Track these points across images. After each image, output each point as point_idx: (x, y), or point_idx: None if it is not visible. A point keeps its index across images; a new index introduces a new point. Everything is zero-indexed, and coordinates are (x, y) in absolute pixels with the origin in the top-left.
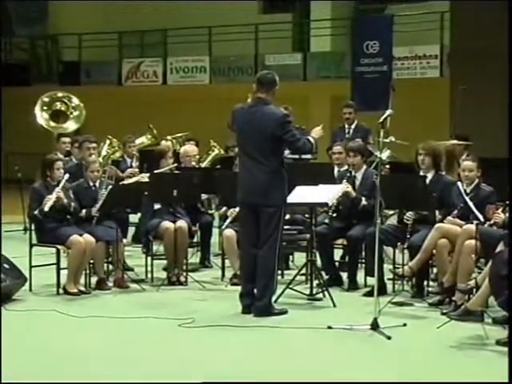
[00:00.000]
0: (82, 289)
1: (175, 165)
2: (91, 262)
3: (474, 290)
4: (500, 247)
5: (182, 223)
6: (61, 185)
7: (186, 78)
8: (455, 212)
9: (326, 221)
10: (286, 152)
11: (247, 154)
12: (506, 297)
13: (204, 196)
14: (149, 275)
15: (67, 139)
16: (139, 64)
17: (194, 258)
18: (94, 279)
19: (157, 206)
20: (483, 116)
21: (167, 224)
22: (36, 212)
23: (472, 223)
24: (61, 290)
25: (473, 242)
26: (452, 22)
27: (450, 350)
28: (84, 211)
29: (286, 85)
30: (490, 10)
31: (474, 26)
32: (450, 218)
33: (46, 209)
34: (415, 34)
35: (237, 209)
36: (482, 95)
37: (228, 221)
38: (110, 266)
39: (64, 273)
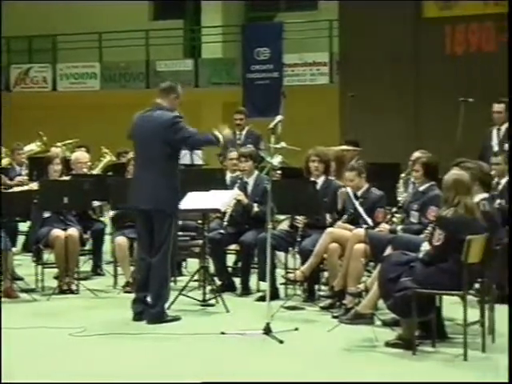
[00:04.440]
0: None
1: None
2: None
3: (364, 294)
4: (388, 251)
5: (73, 231)
6: None
7: (77, 85)
8: (345, 217)
9: (220, 228)
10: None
11: (140, 159)
12: (395, 299)
13: (96, 203)
14: (39, 284)
15: None
16: (28, 70)
17: (85, 265)
18: None
19: (47, 214)
20: (372, 122)
21: (57, 232)
22: None
23: (361, 227)
24: None
25: (362, 245)
26: (340, 30)
27: (342, 352)
28: None
29: None
30: (378, 17)
31: (362, 34)
32: (340, 222)
33: None
34: (305, 41)
35: None
36: (370, 102)
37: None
38: None
39: None
